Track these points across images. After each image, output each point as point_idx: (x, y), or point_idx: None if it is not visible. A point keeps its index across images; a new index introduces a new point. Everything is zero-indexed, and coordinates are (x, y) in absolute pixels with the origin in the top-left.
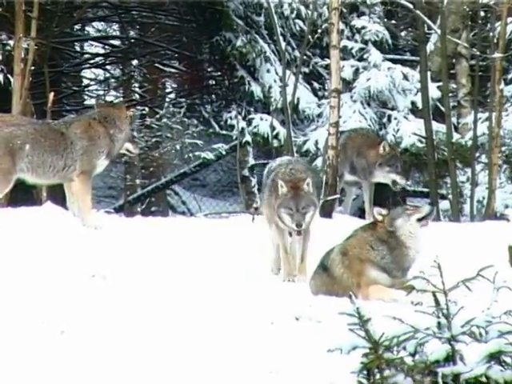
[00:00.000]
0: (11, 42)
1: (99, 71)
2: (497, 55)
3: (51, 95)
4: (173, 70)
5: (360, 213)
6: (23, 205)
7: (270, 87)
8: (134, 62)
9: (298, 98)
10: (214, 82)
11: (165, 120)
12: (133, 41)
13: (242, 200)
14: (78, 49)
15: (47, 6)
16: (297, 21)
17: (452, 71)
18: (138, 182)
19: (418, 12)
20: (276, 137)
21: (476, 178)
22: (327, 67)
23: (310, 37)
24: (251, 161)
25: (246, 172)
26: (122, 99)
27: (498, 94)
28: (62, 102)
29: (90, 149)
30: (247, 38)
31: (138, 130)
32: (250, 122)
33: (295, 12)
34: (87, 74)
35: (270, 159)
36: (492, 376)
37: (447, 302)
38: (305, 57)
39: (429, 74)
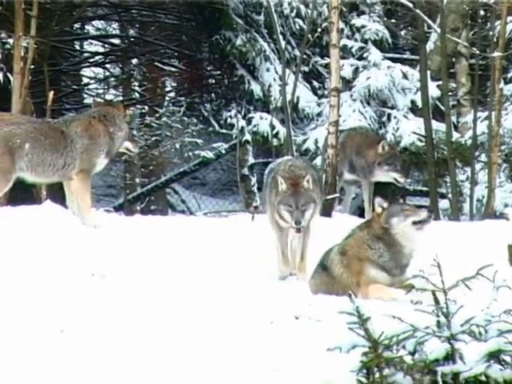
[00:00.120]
0: (11, 41)
1: (99, 70)
2: (496, 54)
3: (51, 94)
4: (172, 69)
5: (360, 212)
6: (23, 203)
7: (269, 86)
8: (134, 61)
9: (298, 97)
10: (213, 81)
11: (164, 119)
12: (132, 39)
13: (242, 199)
14: (77, 47)
15: (47, 5)
16: (296, 20)
17: (452, 70)
18: (137, 180)
19: (417, 11)
20: (276, 136)
21: (475, 176)
22: (327, 66)
23: (309, 36)
24: (251, 160)
25: (245, 171)
26: (121, 98)
27: (498, 92)
28: (61, 100)
29: (91, 147)
30: (247, 37)
31: (138, 128)
32: (249, 121)
33: (295, 11)
34: (87, 72)
35: (269, 158)
36: (491, 375)
37: (447, 300)
38: (304, 56)
39: (428, 72)
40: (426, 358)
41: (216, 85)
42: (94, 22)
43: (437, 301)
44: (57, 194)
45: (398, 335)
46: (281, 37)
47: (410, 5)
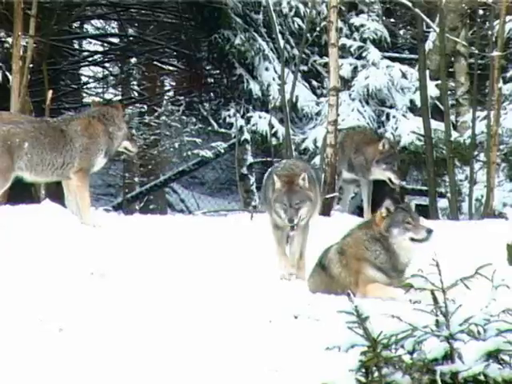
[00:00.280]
0: (10, 40)
1: (98, 69)
2: (495, 53)
3: (50, 93)
4: (171, 68)
5: (358, 211)
6: (22, 202)
7: (268, 85)
8: (133, 60)
9: (297, 96)
10: (212, 80)
11: (163, 118)
12: (131, 39)
13: (241, 198)
14: (76, 47)
15: (46, 4)
16: (295, 19)
17: (451, 69)
18: (136, 179)
19: (416, 10)
20: (275, 135)
21: (474, 176)
22: (326, 65)
23: (308, 35)
24: (250, 159)
25: (244, 170)
26: (120, 97)
27: (497, 92)
28: (60, 99)
29: (90, 146)
30: (246, 36)
31: (137, 128)
32: (248, 120)
33: (294, 10)
34: (86, 71)
35: (268, 157)
36: (490, 374)
37: (445, 300)
38: (303, 55)
39: (427, 72)
40: (425, 357)
41: (215, 84)
42: (93, 21)
43: (436, 300)
44: (56, 193)
45: (396, 334)
46: (280, 36)
47: (409, 4)
